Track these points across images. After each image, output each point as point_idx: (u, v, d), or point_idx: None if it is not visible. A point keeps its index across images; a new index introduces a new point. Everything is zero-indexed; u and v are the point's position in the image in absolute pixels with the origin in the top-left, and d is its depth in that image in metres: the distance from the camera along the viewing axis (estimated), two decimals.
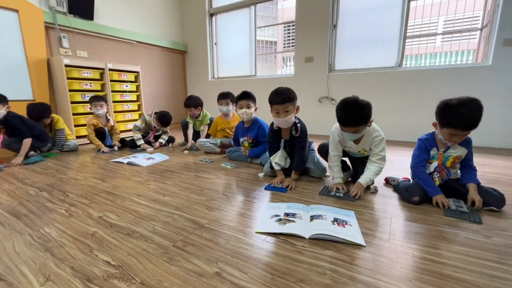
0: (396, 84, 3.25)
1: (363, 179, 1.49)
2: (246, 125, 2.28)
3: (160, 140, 3.01)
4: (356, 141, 1.56)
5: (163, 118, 2.89)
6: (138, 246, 1.00)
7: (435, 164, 1.40)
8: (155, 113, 2.93)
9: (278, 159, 1.72)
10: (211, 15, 4.71)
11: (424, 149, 1.42)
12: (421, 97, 3.13)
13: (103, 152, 2.73)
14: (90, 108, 2.83)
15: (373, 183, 1.58)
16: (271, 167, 1.79)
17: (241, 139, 2.30)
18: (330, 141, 1.64)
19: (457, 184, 1.40)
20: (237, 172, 2.01)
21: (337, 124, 1.56)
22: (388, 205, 1.36)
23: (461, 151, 1.37)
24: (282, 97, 1.59)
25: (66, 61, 2.98)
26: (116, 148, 2.88)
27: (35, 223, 1.20)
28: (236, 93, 2.66)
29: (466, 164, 1.40)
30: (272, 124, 1.77)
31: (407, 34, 3.19)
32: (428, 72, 3.08)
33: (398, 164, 2.10)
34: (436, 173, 1.39)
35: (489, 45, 2.84)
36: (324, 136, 3.60)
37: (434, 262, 0.89)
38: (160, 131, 3.05)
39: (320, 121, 3.65)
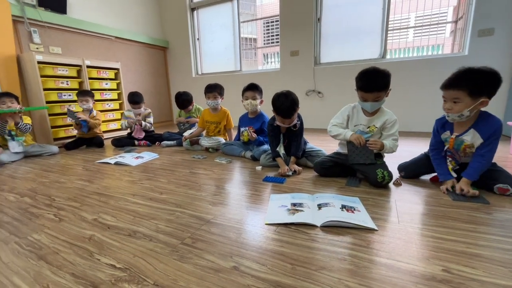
0: None
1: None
2: (251, 115, 2.27)
3: (145, 122, 2.95)
4: (371, 114, 1.52)
5: (133, 97, 2.89)
6: (143, 246, 0.93)
7: (445, 147, 1.39)
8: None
9: (283, 150, 1.78)
10: (192, 9, 4.57)
11: (435, 132, 1.44)
12: (405, 87, 3.24)
13: (78, 118, 2.77)
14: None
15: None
16: (273, 158, 1.81)
17: (242, 129, 2.28)
18: (338, 115, 1.63)
19: None
20: (233, 166, 1.96)
21: (350, 104, 1.59)
22: (388, 190, 1.38)
23: (473, 140, 1.29)
24: (290, 112, 1.65)
25: (39, 57, 2.75)
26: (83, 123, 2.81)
27: (21, 231, 1.09)
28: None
29: (478, 153, 1.30)
30: (273, 119, 1.78)
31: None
32: (409, 63, 3.18)
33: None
34: (448, 157, 1.38)
35: (464, 36, 2.98)
36: (312, 129, 3.64)
37: (446, 240, 0.90)
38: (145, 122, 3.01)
39: (307, 115, 3.62)
